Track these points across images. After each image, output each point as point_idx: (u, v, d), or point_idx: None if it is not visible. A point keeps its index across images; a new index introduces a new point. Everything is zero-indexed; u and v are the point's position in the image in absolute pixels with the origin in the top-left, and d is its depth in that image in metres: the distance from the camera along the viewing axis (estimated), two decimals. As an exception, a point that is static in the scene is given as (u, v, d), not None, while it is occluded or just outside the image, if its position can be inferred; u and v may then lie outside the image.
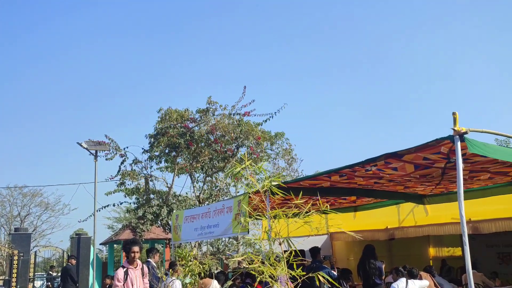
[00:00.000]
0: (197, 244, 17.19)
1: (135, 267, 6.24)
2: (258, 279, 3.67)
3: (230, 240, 23.69)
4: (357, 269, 9.09)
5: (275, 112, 16.36)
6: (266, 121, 16.48)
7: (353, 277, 10.56)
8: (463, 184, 9.43)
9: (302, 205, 4.17)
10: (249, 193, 5.26)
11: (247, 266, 3.74)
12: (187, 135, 15.95)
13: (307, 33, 62.92)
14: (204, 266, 5.13)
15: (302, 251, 9.92)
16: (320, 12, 63.63)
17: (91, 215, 16.53)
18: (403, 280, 7.92)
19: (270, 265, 3.83)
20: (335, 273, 9.00)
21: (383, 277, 8.81)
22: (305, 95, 64.01)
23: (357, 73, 65.65)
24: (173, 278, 7.10)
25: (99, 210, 16.31)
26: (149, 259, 8.15)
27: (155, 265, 7.84)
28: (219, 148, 16.05)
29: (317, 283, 3.83)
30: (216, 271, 10.31)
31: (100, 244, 22.51)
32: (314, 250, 8.81)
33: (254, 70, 62.77)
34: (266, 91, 61.85)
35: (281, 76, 64.99)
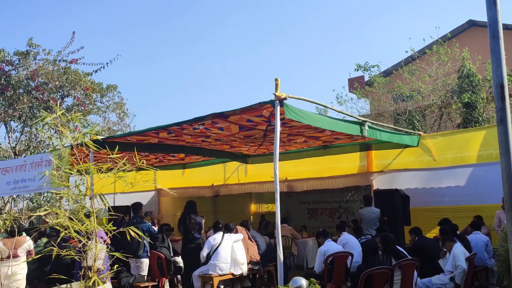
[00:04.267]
0: (11, 199, 15.73)
1: None
2: (61, 234, 3.51)
3: (53, 195, 22.20)
4: (178, 224, 9.31)
5: (107, 63, 15.49)
6: (96, 71, 15.51)
7: (175, 232, 10.82)
8: (282, 146, 10.35)
9: (118, 160, 4.06)
10: (72, 146, 4.91)
11: (51, 221, 3.54)
12: (2, 79, 14.20)
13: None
14: (6, 222, 4.70)
15: (128, 207, 9.77)
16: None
17: None
18: (220, 233, 8.36)
19: (79, 220, 3.68)
20: (156, 228, 9.10)
21: (203, 231, 9.18)
22: (139, 47, 61.82)
23: (193, 23, 65.63)
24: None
25: None
26: None
27: None
28: (40, 96, 14.65)
29: (128, 237, 3.79)
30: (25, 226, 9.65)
31: None
32: (136, 206, 8.74)
33: (85, 15, 58.06)
34: (98, 39, 58.04)
35: (115, 24, 61.52)
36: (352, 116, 9.22)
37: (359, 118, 8.83)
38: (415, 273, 6.54)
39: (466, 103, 14.17)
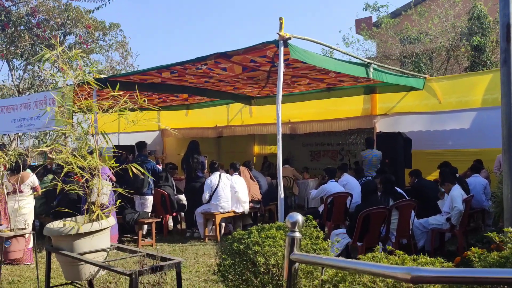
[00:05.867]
0: (17, 137, 15.89)
1: None
2: (65, 170, 3.58)
3: (58, 133, 22.39)
4: (181, 163, 9.43)
5: (108, 0, 15.11)
6: (98, 8, 15.14)
7: (178, 171, 11.00)
8: (285, 88, 10.28)
9: (120, 97, 4.05)
10: (74, 84, 4.90)
11: (54, 156, 3.60)
12: (2, 15, 13.93)
13: None
14: (11, 157, 4.78)
15: (132, 146, 9.88)
16: None
17: None
18: (217, 174, 8.52)
19: (81, 157, 3.74)
20: (160, 167, 9.23)
21: (206, 171, 9.33)
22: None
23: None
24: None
25: None
26: None
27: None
28: (42, 33, 14.41)
29: (130, 174, 3.86)
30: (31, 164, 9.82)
31: None
32: (140, 145, 8.82)
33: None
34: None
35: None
36: (358, 58, 9.09)
37: (365, 60, 8.69)
38: (412, 214, 6.69)
39: (475, 46, 13.88)
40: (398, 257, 2.56)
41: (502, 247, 2.31)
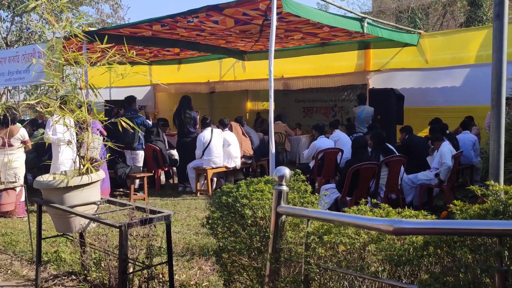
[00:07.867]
0: (6, 91, 15.69)
1: None
2: (53, 123, 3.56)
3: (49, 88, 22.09)
4: (173, 118, 9.40)
5: (97, -51, 14.64)
6: (86, -43, 14.70)
7: (170, 126, 10.97)
8: (278, 42, 10.13)
9: (108, 50, 3.98)
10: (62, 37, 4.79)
11: (42, 110, 3.56)
12: (-13, -37, 13.48)
13: None
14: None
15: (123, 101, 9.80)
16: None
17: None
18: (209, 129, 8.51)
19: (70, 110, 3.70)
20: (150, 122, 9.18)
21: (197, 126, 9.30)
22: None
23: None
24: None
25: None
26: None
27: None
28: (29, -17, 13.96)
29: (120, 128, 3.83)
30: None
31: None
32: (129, 100, 8.70)
33: None
34: None
35: None
36: (352, 12, 8.93)
37: (359, 14, 8.56)
38: (402, 169, 6.76)
39: (471, 1, 13.66)
40: (383, 210, 2.60)
41: (485, 200, 2.35)
